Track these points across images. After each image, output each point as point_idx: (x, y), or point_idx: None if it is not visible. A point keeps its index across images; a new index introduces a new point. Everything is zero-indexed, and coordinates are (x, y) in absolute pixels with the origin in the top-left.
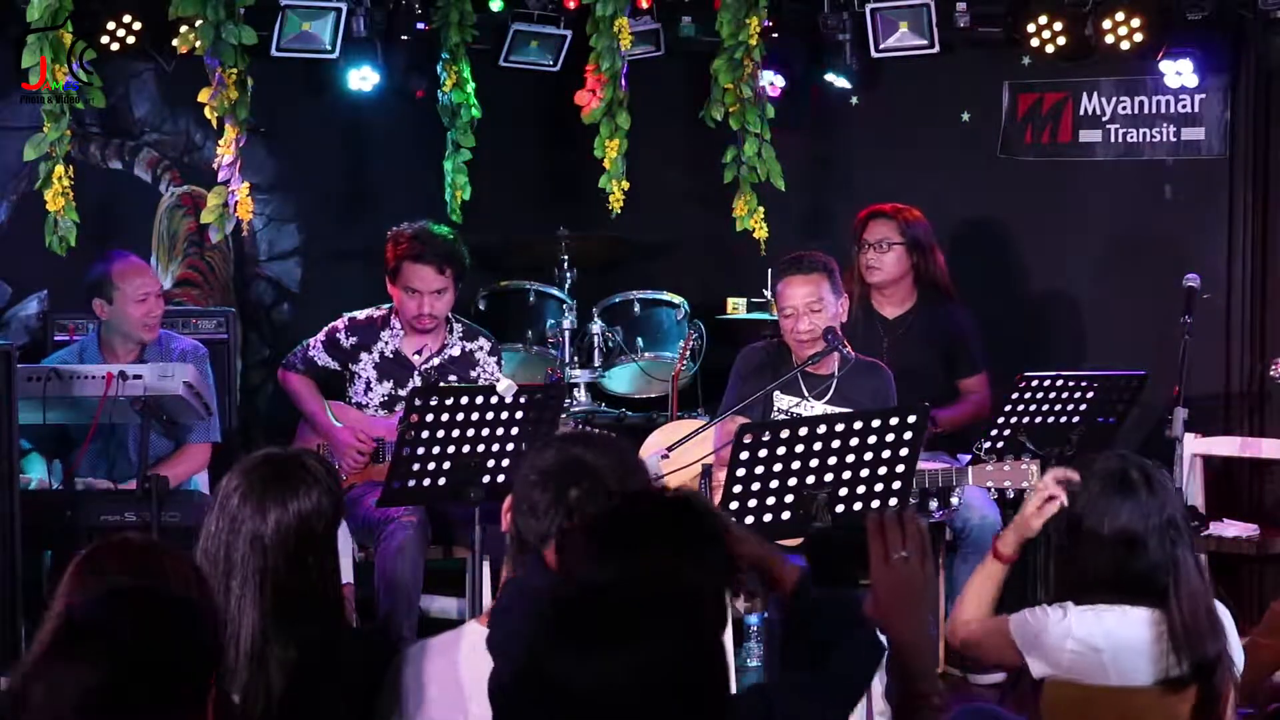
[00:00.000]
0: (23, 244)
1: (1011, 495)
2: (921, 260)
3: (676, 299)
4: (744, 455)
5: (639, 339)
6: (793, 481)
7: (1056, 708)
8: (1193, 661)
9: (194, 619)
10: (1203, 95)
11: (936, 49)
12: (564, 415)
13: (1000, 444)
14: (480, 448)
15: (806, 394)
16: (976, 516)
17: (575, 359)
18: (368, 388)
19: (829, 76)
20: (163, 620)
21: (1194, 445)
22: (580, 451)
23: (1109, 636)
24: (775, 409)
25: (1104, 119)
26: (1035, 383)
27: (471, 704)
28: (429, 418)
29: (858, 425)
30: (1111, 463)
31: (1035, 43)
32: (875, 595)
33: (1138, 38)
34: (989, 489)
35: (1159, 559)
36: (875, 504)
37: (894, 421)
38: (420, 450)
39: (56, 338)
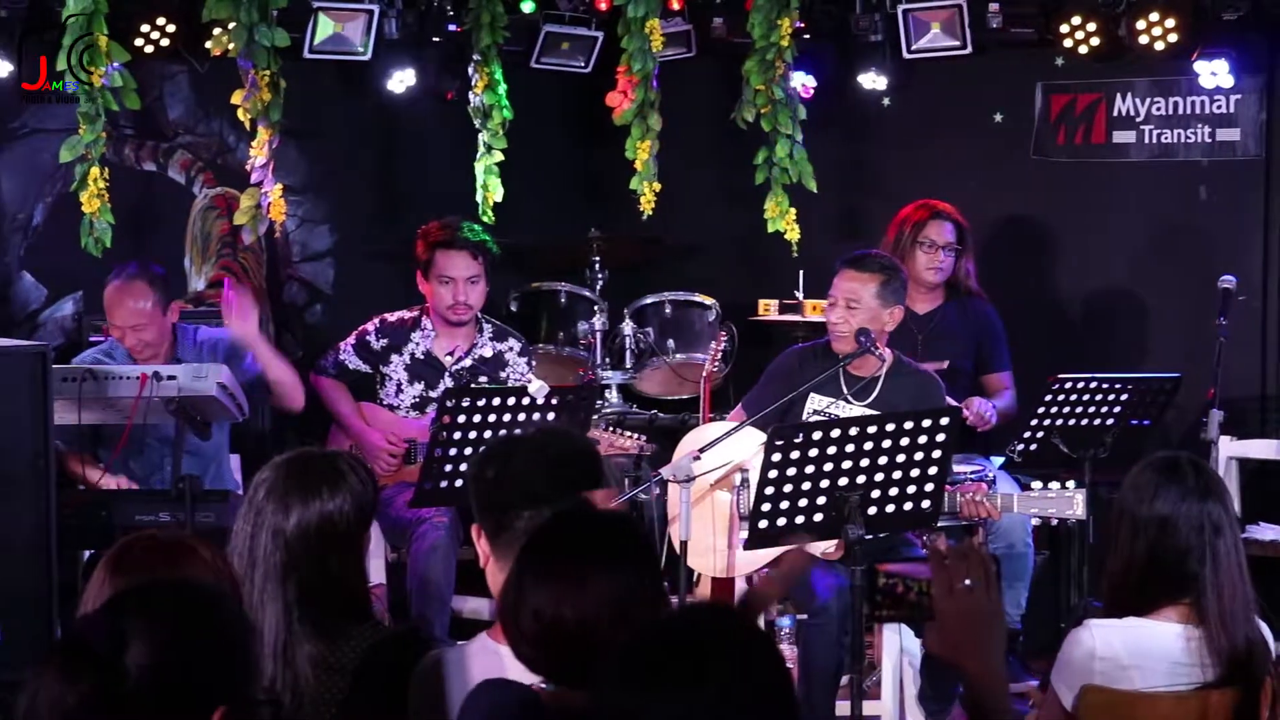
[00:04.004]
0: (58, 245)
1: (1055, 523)
2: (962, 262)
3: (708, 300)
4: (776, 457)
5: (670, 340)
6: (825, 484)
7: (1092, 710)
8: (1226, 662)
9: (203, 638)
10: (1238, 96)
11: (969, 50)
12: (595, 416)
13: (1034, 446)
14: None
15: (846, 393)
16: (1020, 544)
17: (607, 360)
18: (399, 389)
19: (861, 77)
20: (161, 641)
21: (1229, 448)
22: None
23: (1133, 651)
24: (809, 410)
25: (1138, 120)
26: (1069, 385)
27: None
28: (461, 419)
29: (890, 427)
30: (1165, 454)
31: (1069, 43)
32: (942, 628)
33: (1172, 38)
34: (1032, 515)
35: (1193, 543)
36: (908, 506)
37: (926, 424)
38: (452, 451)
39: (91, 339)
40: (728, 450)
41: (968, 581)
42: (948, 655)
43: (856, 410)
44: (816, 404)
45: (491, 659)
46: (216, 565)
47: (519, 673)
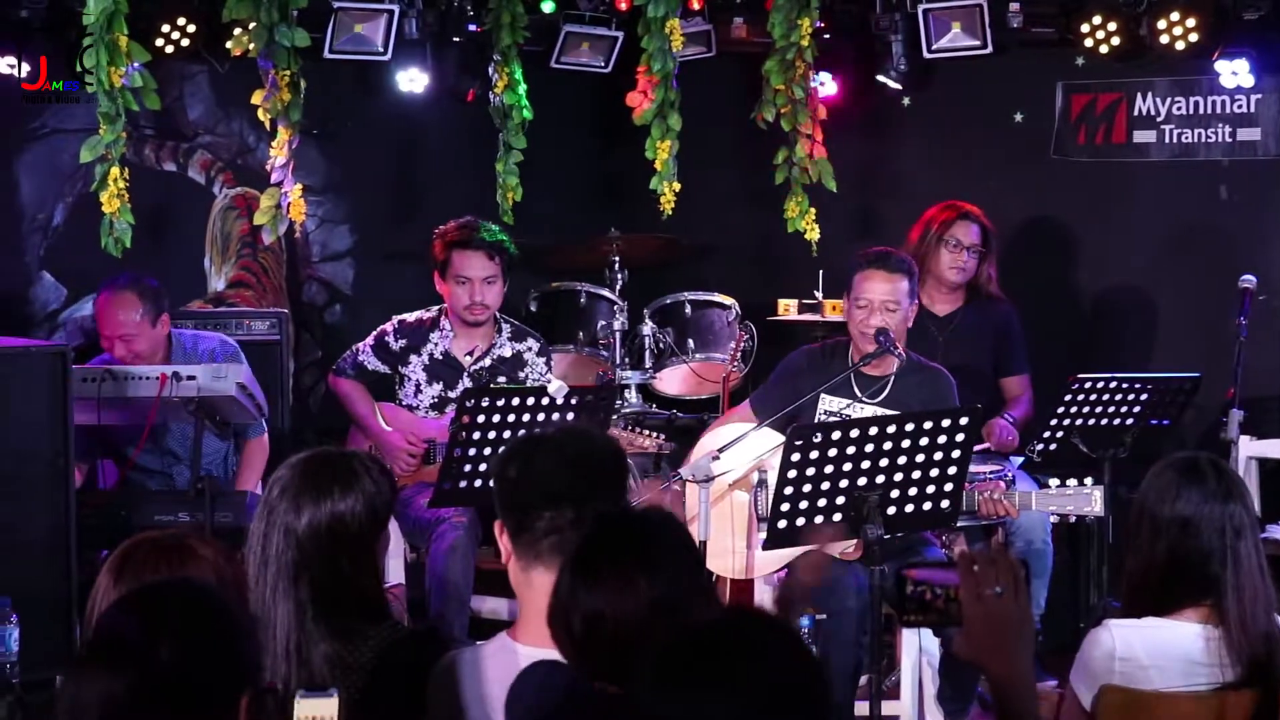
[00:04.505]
0: (78, 245)
1: (1073, 520)
2: (984, 265)
3: (727, 300)
4: (795, 457)
5: (690, 340)
6: (844, 483)
7: (1111, 710)
8: (1246, 664)
9: (221, 630)
10: (1259, 95)
11: (989, 49)
12: (614, 416)
13: (1053, 446)
14: None
15: (860, 394)
16: (1039, 541)
17: (626, 360)
18: (417, 390)
19: (881, 77)
20: (188, 631)
21: (1249, 448)
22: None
23: (1152, 651)
24: (822, 411)
25: (1158, 119)
26: (1088, 384)
27: None
28: (480, 419)
29: (909, 427)
30: (1186, 455)
31: (1089, 43)
32: (969, 633)
33: (1193, 38)
34: (1050, 513)
35: (1214, 545)
36: (928, 506)
37: (945, 423)
38: (471, 451)
39: None
40: (746, 450)
41: (997, 588)
42: (976, 660)
43: (870, 410)
44: (830, 405)
45: (509, 658)
46: (218, 563)
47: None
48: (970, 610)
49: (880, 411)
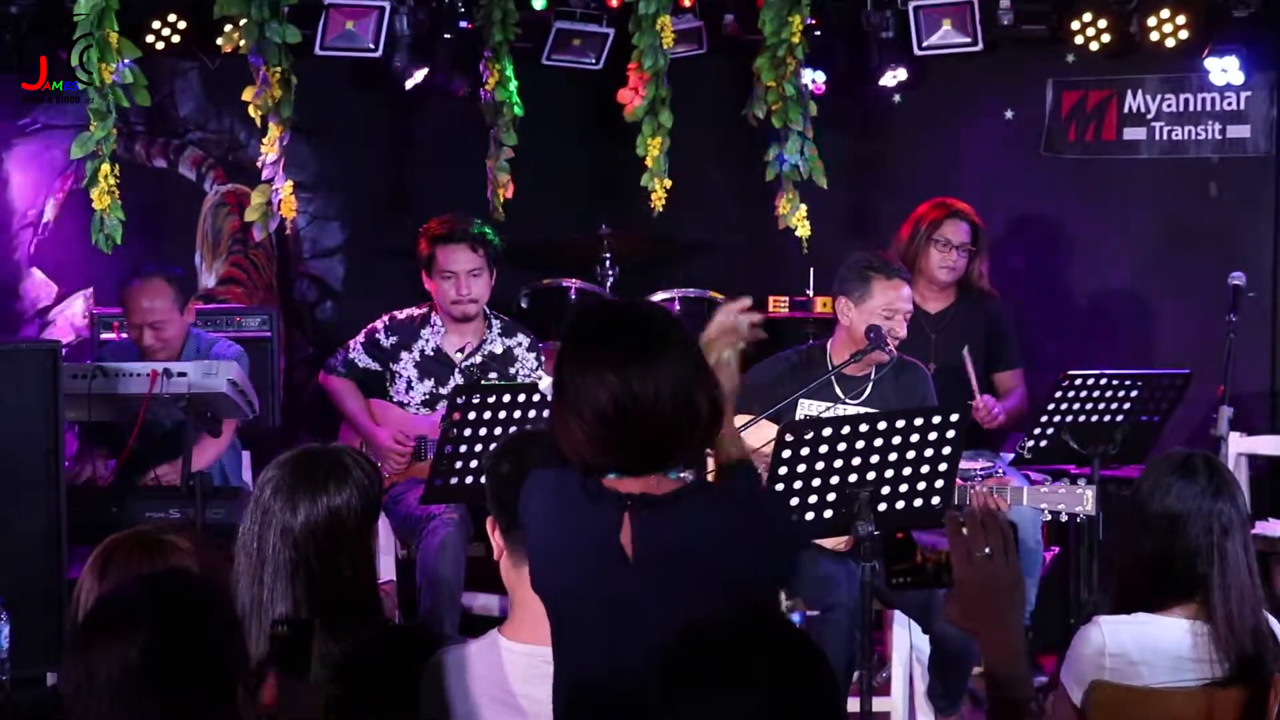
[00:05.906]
0: (69, 242)
1: (1065, 519)
2: (974, 261)
3: (718, 297)
4: (785, 455)
5: None
6: (834, 480)
7: (1102, 706)
8: (1235, 660)
9: (221, 607)
10: (1248, 93)
11: (980, 46)
12: None
13: (1044, 443)
14: None
15: (842, 396)
16: (1030, 539)
17: None
18: (409, 387)
19: (872, 74)
20: (194, 602)
21: (1239, 444)
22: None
23: (1142, 648)
24: (803, 415)
25: (1149, 116)
26: (1079, 381)
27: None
28: (471, 415)
29: (899, 424)
30: (1181, 452)
31: (1080, 40)
32: (961, 597)
33: (1183, 35)
34: (1042, 510)
35: (1200, 543)
36: (918, 503)
37: (935, 420)
38: (462, 448)
39: (102, 335)
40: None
41: (986, 549)
42: (966, 624)
43: (852, 410)
44: (812, 409)
45: (500, 655)
46: (201, 555)
47: (522, 670)
48: (960, 573)
49: (864, 411)
